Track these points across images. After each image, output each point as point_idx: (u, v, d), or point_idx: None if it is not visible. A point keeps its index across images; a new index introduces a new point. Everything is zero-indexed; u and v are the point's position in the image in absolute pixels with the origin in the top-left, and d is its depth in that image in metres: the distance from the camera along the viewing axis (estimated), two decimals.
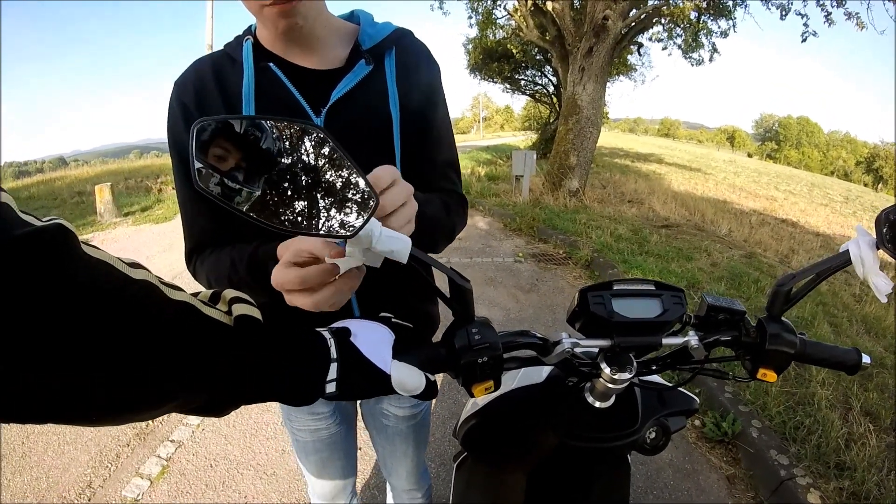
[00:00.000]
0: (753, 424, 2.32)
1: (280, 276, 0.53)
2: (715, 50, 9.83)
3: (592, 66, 7.17)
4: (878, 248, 0.60)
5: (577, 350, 0.60)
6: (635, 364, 0.62)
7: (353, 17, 0.87)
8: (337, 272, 0.52)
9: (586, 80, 7.26)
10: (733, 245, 5.81)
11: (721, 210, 8.79)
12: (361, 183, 0.42)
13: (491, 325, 0.54)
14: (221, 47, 0.83)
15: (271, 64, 0.77)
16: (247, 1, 0.70)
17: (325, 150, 0.41)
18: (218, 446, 2.36)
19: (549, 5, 8.15)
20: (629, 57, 14.94)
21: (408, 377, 0.51)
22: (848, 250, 0.62)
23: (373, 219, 0.43)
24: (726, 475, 2.19)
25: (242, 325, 0.44)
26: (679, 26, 9.13)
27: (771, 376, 0.65)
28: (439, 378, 0.55)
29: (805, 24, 7.32)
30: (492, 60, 16.88)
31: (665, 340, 0.62)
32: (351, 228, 0.41)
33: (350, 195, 0.41)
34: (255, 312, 0.47)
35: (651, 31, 9.30)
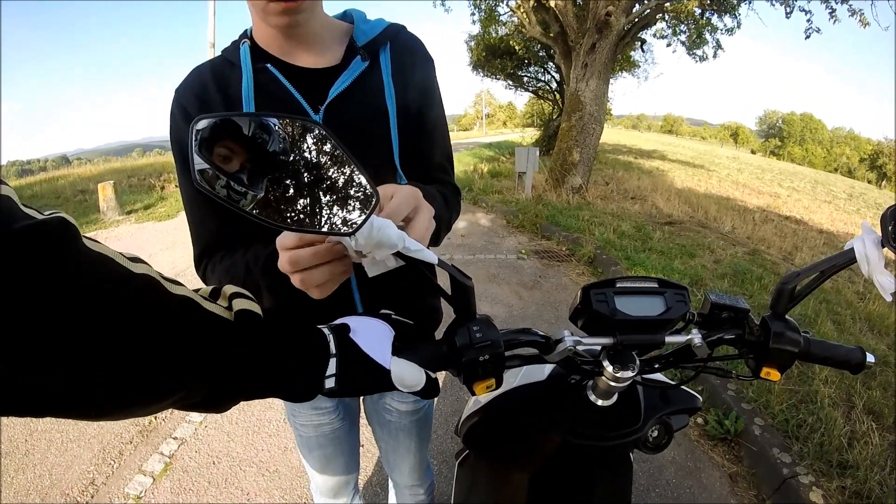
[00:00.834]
0: (756, 422, 2.32)
1: (281, 238, 0.54)
2: (719, 46, 9.81)
3: (595, 62, 7.15)
4: (883, 247, 0.59)
5: (580, 348, 0.59)
6: (638, 362, 0.61)
7: (346, 16, 0.88)
8: (325, 255, 0.52)
9: (589, 76, 7.24)
10: (737, 242, 5.78)
11: (724, 207, 8.75)
12: (362, 180, 0.41)
13: (493, 322, 0.53)
14: (220, 53, 0.84)
15: (269, 65, 0.78)
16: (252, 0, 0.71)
17: (325, 147, 0.41)
18: (221, 443, 2.36)
19: (552, 2, 8.13)
20: (632, 53, 14.91)
21: (408, 373, 0.51)
22: (853, 248, 0.61)
23: (374, 216, 0.43)
24: (728, 473, 2.19)
25: (242, 319, 0.44)
26: (683, 23, 9.10)
27: (774, 375, 0.65)
28: (441, 376, 0.55)
29: (809, 21, 7.29)
30: (494, 57, 16.84)
31: (668, 339, 0.62)
32: (352, 225, 0.41)
33: (351, 192, 0.41)
34: (255, 307, 0.47)
35: (654, 27, 9.28)
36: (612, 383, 0.62)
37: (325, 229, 0.41)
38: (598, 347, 0.63)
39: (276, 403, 2.58)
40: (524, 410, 0.77)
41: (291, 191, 0.40)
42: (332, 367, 0.49)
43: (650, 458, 2.24)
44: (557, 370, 0.75)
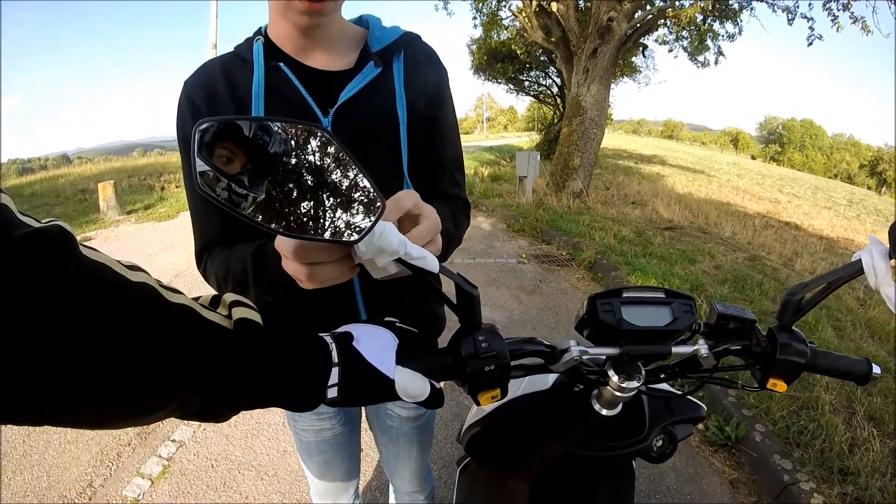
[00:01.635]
0: (757, 428, 2.31)
1: (281, 241, 0.52)
2: (720, 53, 9.80)
3: (597, 67, 7.17)
4: (891, 258, 0.59)
5: (585, 358, 0.59)
6: (643, 372, 0.61)
7: (361, 21, 0.88)
8: (333, 252, 0.50)
9: (590, 81, 7.26)
10: (737, 248, 5.79)
11: (724, 212, 8.76)
12: (368, 186, 0.41)
13: (498, 332, 0.53)
14: (231, 49, 0.83)
15: (281, 64, 0.77)
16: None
17: (331, 153, 0.40)
18: (219, 446, 2.35)
19: (554, 6, 8.14)
20: (634, 59, 14.93)
21: (412, 383, 0.50)
22: (860, 260, 0.61)
23: (380, 222, 0.42)
24: (729, 480, 2.18)
25: (242, 328, 0.44)
26: (685, 29, 9.11)
27: (781, 386, 0.64)
28: (443, 382, 0.54)
29: (811, 28, 7.31)
30: (496, 61, 16.89)
31: (675, 349, 0.61)
32: (358, 232, 0.40)
33: (356, 198, 0.41)
34: (256, 316, 0.46)
35: (656, 32, 9.29)
36: (618, 393, 0.61)
37: (328, 236, 0.40)
38: (604, 357, 0.62)
39: (285, 414, 2.56)
40: (528, 420, 0.76)
41: (295, 196, 0.39)
42: (334, 376, 0.48)
43: (651, 465, 2.24)
44: (561, 379, 0.74)
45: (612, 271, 4.57)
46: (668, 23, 8.46)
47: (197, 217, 0.84)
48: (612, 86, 8.32)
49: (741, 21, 8.59)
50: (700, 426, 2.46)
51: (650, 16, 7.63)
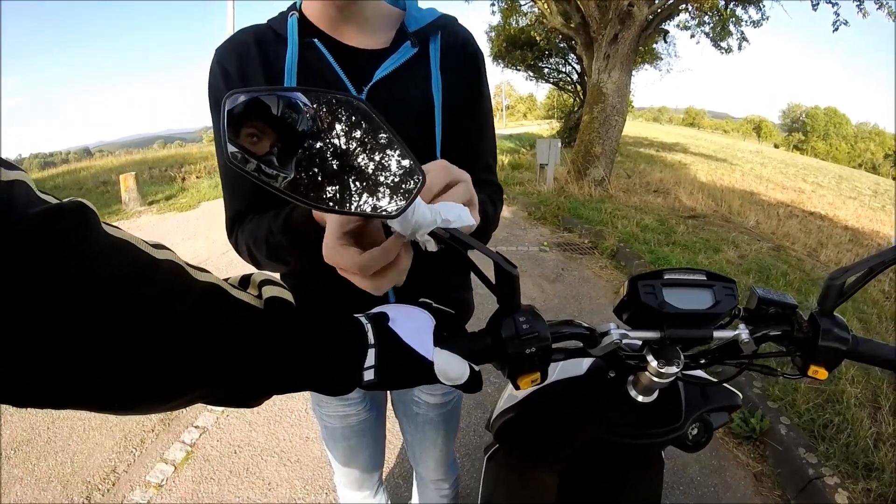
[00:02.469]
0: (782, 421, 2.27)
1: (335, 257, 0.49)
2: (744, 38, 9.60)
3: (618, 53, 7.05)
4: None
5: (625, 342, 0.57)
6: (682, 357, 0.59)
7: (397, 1, 0.86)
8: (395, 250, 0.48)
9: (611, 67, 7.15)
10: (761, 237, 5.68)
11: (748, 201, 8.60)
12: (406, 158, 0.39)
13: (539, 313, 0.51)
14: (265, 22, 0.82)
15: (316, 40, 0.76)
16: None
17: (366, 124, 0.39)
18: (242, 433, 2.38)
19: None
20: (655, 45, 14.69)
21: (451, 366, 0.48)
22: None
23: (419, 197, 0.41)
24: (753, 472, 2.15)
25: (273, 307, 0.42)
26: (707, 14, 8.93)
27: (822, 374, 0.62)
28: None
29: (836, 13, 7.12)
30: (515, 48, 16.72)
31: (715, 334, 0.59)
32: (398, 206, 0.39)
33: (394, 171, 0.39)
34: (287, 295, 0.44)
35: (678, 18, 9.11)
36: (656, 379, 0.59)
37: (367, 209, 0.39)
38: (641, 342, 0.61)
39: (299, 393, 2.57)
40: (562, 406, 0.75)
41: (330, 169, 0.38)
42: (370, 358, 0.46)
43: (674, 455, 2.21)
44: (596, 364, 0.73)
45: (634, 260, 4.52)
46: (690, 8, 8.29)
47: (228, 187, 0.83)
48: (633, 73, 8.17)
49: (764, 6, 8.39)
50: None
51: (671, 0, 7.47)
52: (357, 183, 0.39)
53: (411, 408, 1.14)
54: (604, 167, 7.57)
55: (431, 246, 0.46)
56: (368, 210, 0.39)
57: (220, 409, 2.53)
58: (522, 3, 12.35)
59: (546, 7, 9.26)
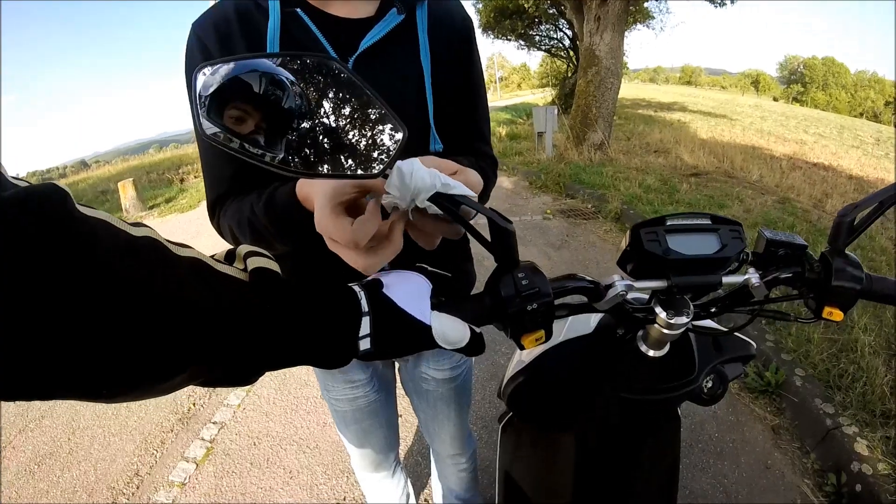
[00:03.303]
0: (797, 373, 2.26)
1: (328, 226, 0.47)
2: None
3: (608, 14, 6.92)
4: None
5: (631, 294, 0.55)
6: (692, 307, 0.57)
7: None
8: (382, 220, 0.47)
9: (603, 29, 7.02)
10: (765, 191, 5.64)
11: (750, 156, 8.51)
12: (388, 116, 0.37)
13: (538, 269, 0.49)
14: None
15: (299, 10, 0.72)
16: None
17: (344, 84, 0.37)
18: (260, 424, 2.40)
19: None
20: (646, 4, 14.43)
21: (450, 328, 0.47)
22: None
23: (407, 161, 0.39)
24: (771, 426, 2.15)
25: (259, 278, 0.41)
26: None
27: (837, 315, 0.60)
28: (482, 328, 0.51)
29: None
30: (504, 18, 16.43)
31: (724, 279, 0.57)
32: (381, 165, 0.37)
33: (377, 130, 0.37)
34: (273, 265, 0.43)
35: None
36: (666, 331, 0.57)
37: (351, 172, 0.37)
38: (648, 294, 0.59)
39: (313, 380, 2.60)
40: (572, 366, 0.73)
41: (311, 134, 0.36)
42: (365, 326, 0.44)
43: (691, 412, 2.21)
44: (605, 321, 0.71)
45: (638, 221, 4.49)
46: None
47: (209, 167, 0.80)
48: (626, 34, 8.03)
49: None
50: None
51: None
52: (336, 147, 0.37)
53: (421, 385, 1.12)
54: (602, 131, 7.49)
55: (433, 210, 0.44)
56: (350, 173, 0.37)
57: (237, 403, 2.55)
58: None
59: None
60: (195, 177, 10.89)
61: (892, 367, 2.27)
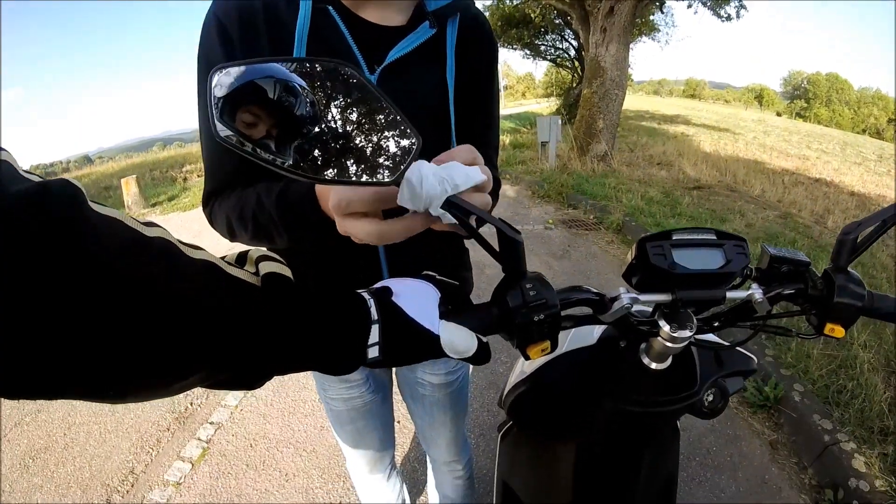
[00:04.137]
0: (795, 388, 2.26)
1: (357, 231, 0.48)
2: (742, 6, 9.45)
3: (614, 26, 6.96)
4: None
5: (636, 307, 0.55)
6: (695, 321, 0.58)
7: None
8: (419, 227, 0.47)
9: (608, 41, 7.06)
10: (767, 206, 5.64)
11: (753, 170, 8.52)
12: (401, 124, 0.38)
13: (545, 280, 0.49)
14: None
15: (330, 7, 0.70)
16: None
17: (358, 91, 0.37)
18: (257, 426, 2.39)
19: None
20: (652, 17, 14.50)
21: (458, 338, 0.47)
22: None
23: (417, 162, 0.39)
24: (769, 441, 2.15)
25: (271, 284, 0.40)
26: None
27: (839, 331, 0.60)
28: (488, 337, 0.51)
29: None
30: (510, 27, 16.50)
31: (728, 294, 0.58)
32: (392, 172, 0.37)
33: (390, 138, 0.38)
34: (285, 271, 0.43)
35: None
36: (669, 344, 0.58)
37: (363, 179, 0.37)
38: (652, 307, 0.59)
39: (311, 384, 2.59)
40: (574, 377, 0.73)
41: (322, 140, 0.37)
42: (374, 334, 0.44)
43: (689, 426, 2.21)
44: (607, 333, 0.71)
45: (640, 233, 4.49)
46: None
47: (210, 157, 0.77)
48: (631, 46, 8.06)
49: None
50: None
51: None
52: (353, 152, 0.37)
53: (417, 389, 1.12)
54: (606, 142, 7.51)
55: (448, 219, 0.44)
56: (364, 178, 0.37)
57: (234, 404, 2.55)
58: None
59: None
60: (198, 176, 10.91)
61: (891, 384, 2.27)
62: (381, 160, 0.37)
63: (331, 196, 0.48)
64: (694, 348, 0.69)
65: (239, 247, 0.52)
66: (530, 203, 6.16)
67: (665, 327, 0.56)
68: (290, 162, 0.37)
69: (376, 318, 0.45)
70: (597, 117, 7.43)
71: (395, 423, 1.27)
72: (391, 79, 0.73)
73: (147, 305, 0.31)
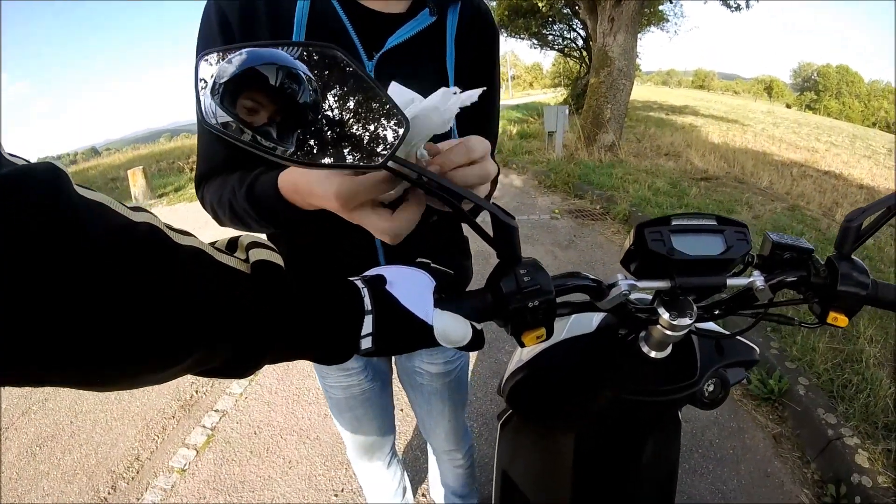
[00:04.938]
0: (800, 382, 2.25)
1: (368, 224, 0.47)
2: None
3: (622, 15, 6.89)
4: None
5: (634, 294, 0.55)
6: (695, 308, 0.57)
7: None
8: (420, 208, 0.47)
9: (616, 30, 6.99)
10: (775, 198, 5.59)
11: (761, 162, 8.43)
12: (387, 105, 0.37)
13: (541, 265, 0.49)
14: None
15: None
16: None
17: (345, 74, 0.37)
18: (261, 413, 2.41)
19: None
20: (661, 7, 14.35)
21: (452, 327, 0.46)
22: None
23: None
24: (772, 434, 2.14)
25: (261, 271, 0.40)
26: None
27: (842, 320, 0.59)
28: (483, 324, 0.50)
29: None
30: (518, 16, 16.35)
31: (729, 281, 0.57)
32: (382, 155, 0.37)
33: (377, 120, 0.37)
34: (276, 258, 0.42)
35: None
36: (668, 332, 0.57)
37: (350, 161, 0.37)
38: (651, 295, 0.58)
39: (314, 371, 2.59)
40: (572, 364, 0.73)
41: (313, 123, 0.36)
42: (367, 325, 0.44)
43: (692, 418, 2.20)
44: (606, 320, 0.71)
45: None
46: None
47: (204, 141, 0.77)
48: (640, 36, 7.98)
49: None
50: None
51: None
52: (337, 137, 0.37)
53: (415, 378, 1.12)
54: (613, 132, 7.46)
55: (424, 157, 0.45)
56: (352, 161, 0.37)
57: (239, 392, 2.57)
58: None
59: None
60: None
61: None
62: (370, 144, 0.37)
63: (333, 194, 0.47)
64: (694, 337, 0.68)
65: (233, 232, 0.52)
66: (537, 193, 6.13)
67: (664, 315, 0.56)
68: (281, 149, 0.36)
69: (370, 308, 0.44)
70: (604, 107, 7.37)
71: (398, 412, 1.27)
72: (389, 66, 0.72)
73: (131, 291, 0.30)
